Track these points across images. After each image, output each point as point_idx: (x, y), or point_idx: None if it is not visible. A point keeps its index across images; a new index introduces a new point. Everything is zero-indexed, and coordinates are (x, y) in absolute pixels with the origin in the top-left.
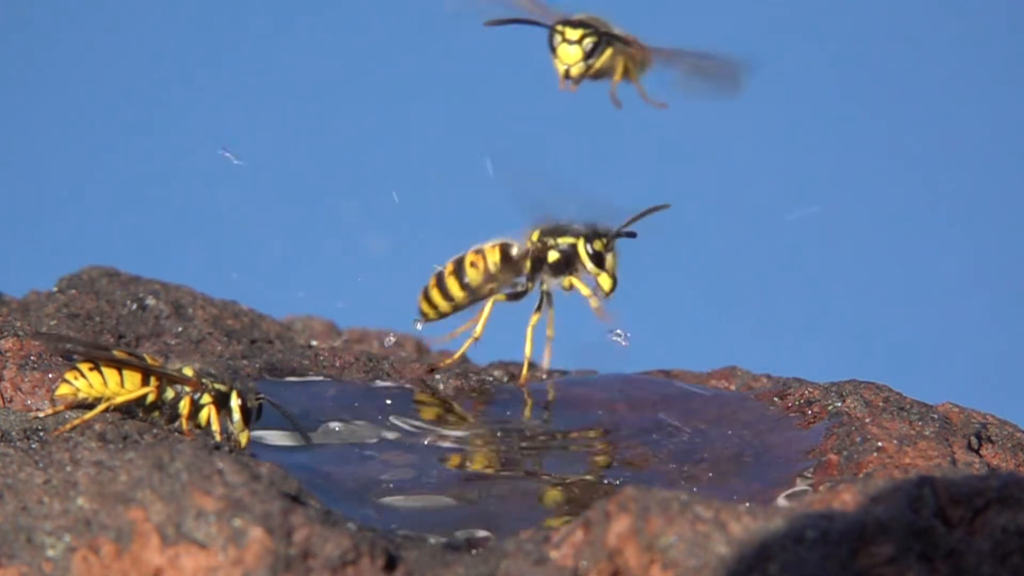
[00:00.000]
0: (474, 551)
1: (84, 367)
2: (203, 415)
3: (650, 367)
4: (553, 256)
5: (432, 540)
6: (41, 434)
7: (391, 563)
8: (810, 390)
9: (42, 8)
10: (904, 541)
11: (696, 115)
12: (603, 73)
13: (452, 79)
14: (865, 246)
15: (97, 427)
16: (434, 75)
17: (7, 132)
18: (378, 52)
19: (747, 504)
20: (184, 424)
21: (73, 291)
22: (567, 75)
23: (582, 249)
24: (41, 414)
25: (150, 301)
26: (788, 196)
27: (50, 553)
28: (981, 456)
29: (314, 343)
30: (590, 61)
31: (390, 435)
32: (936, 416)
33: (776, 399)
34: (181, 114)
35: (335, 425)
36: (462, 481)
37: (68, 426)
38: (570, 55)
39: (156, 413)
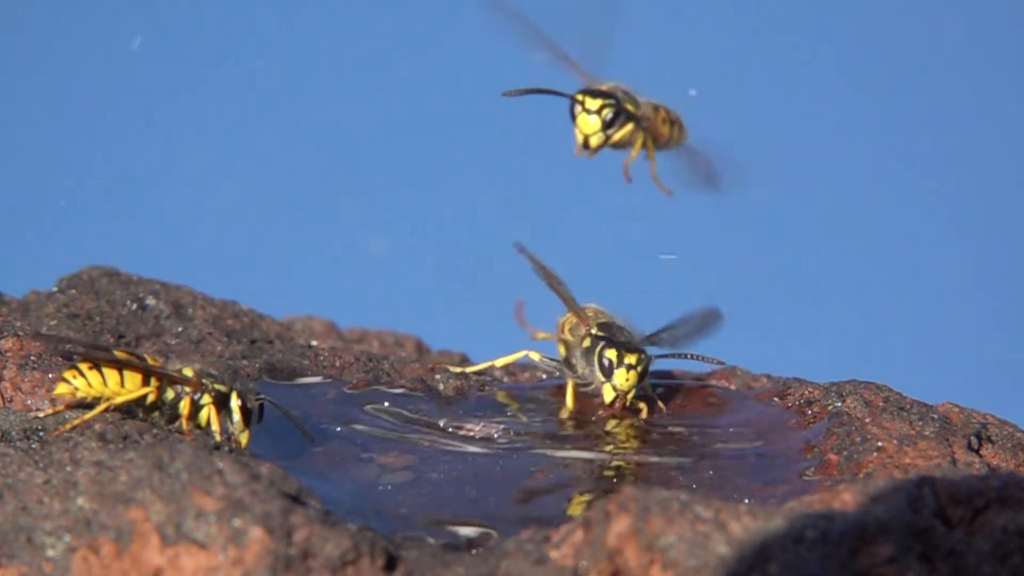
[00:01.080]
0: (474, 551)
1: (83, 366)
2: (203, 415)
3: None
4: (586, 342)
5: (432, 540)
6: (41, 434)
7: (391, 563)
8: (810, 390)
9: (42, 8)
10: (904, 541)
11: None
12: (623, 144)
13: (452, 79)
14: (865, 246)
15: (97, 427)
16: (434, 75)
17: (7, 132)
18: (378, 52)
19: (747, 504)
20: (184, 424)
21: (73, 291)
22: (586, 144)
23: (596, 352)
24: (41, 414)
25: (150, 301)
26: (788, 196)
27: (50, 553)
28: (981, 456)
29: (314, 343)
30: (609, 132)
31: (390, 436)
32: (936, 416)
33: (776, 399)
34: (181, 114)
35: (335, 425)
36: (462, 481)
37: (68, 426)
38: (589, 125)
39: (156, 413)
